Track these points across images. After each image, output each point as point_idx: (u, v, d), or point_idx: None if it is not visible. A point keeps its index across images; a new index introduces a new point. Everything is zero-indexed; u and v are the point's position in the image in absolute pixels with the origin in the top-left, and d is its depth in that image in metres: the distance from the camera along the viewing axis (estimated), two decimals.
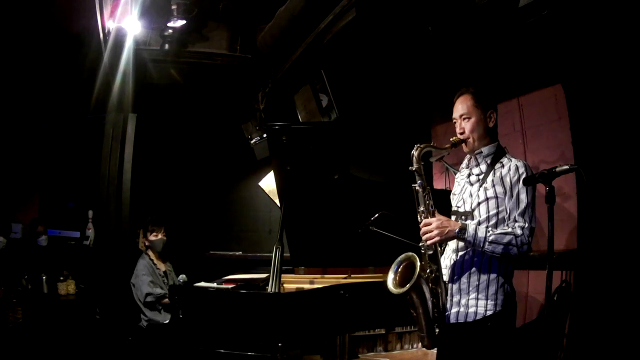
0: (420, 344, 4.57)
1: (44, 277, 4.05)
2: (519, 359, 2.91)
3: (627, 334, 2.67)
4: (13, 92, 4.31)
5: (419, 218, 1.97)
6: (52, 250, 4.26)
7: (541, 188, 1.88)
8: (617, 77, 2.88)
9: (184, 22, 4.04)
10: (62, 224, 4.48)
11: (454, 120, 2.08)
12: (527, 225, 1.85)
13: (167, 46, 4.24)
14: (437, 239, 1.88)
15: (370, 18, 3.47)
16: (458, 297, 1.94)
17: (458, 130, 2.06)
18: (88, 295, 4.07)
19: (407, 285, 1.84)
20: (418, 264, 1.87)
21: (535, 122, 3.67)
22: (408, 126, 4.93)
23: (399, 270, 1.96)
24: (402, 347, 4.59)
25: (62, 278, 4.10)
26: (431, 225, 1.89)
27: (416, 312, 1.93)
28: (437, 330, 1.92)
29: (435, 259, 1.94)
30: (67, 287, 4.09)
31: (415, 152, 1.98)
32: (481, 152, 2.03)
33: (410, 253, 1.95)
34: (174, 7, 3.94)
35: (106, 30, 3.90)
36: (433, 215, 1.94)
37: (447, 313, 1.96)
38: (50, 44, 4.12)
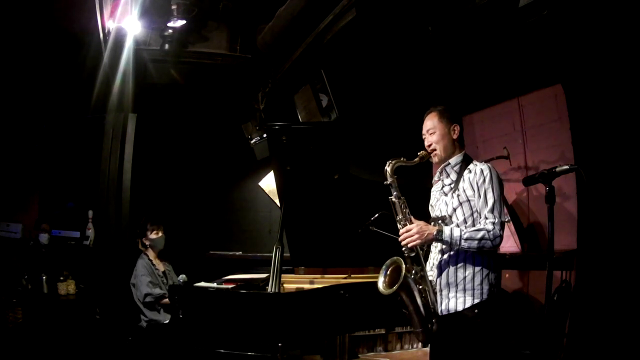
0: (420, 345, 4.59)
1: (44, 277, 4.05)
2: (516, 357, 2.95)
3: (627, 334, 2.67)
4: (13, 92, 4.31)
5: (398, 226, 2.14)
6: (52, 250, 4.26)
7: (541, 188, 1.88)
8: (617, 77, 2.88)
9: (184, 22, 4.03)
10: (62, 224, 4.48)
11: (423, 136, 2.29)
12: (497, 220, 2.02)
13: (167, 46, 4.24)
14: (418, 242, 2.04)
15: (370, 18, 3.47)
16: (446, 291, 2.10)
17: (426, 143, 2.26)
18: (88, 295, 4.07)
19: (395, 286, 2.01)
20: (403, 265, 2.03)
21: (535, 122, 3.67)
22: (408, 126, 4.92)
23: (388, 273, 2.14)
24: (402, 347, 4.59)
25: (62, 278, 4.10)
26: (412, 230, 2.05)
27: (408, 310, 2.09)
28: (430, 325, 2.07)
29: (418, 260, 2.11)
30: (67, 287, 4.09)
31: (387, 168, 2.19)
32: (449, 163, 2.23)
33: (395, 257, 2.12)
34: (174, 7, 3.94)
35: (106, 30, 3.89)
36: (410, 221, 2.13)
37: (437, 307, 2.11)
38: (50, 44, 4.12)
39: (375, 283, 2.44)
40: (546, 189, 2.03)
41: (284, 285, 3.31)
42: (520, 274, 3.58)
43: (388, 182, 2.18)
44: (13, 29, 3.94)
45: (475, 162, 2.21)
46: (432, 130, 2.23)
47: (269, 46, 4.21)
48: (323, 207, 3.30)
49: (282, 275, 3.05)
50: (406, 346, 4.59)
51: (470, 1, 3.12)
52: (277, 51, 4.26)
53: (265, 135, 4.73)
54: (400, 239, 2.09)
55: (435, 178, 2.32)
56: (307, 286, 3.28)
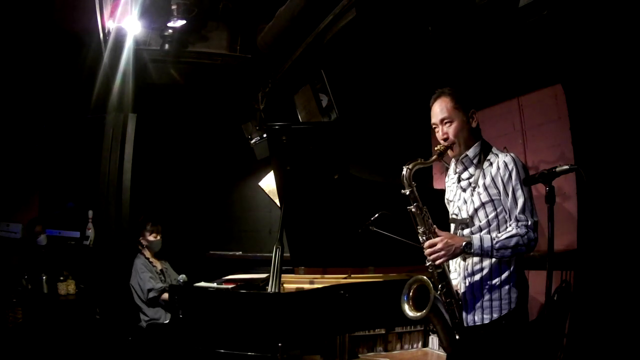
0: (419, 344, 4.60)
1: (44, 277, 4.05)
2: (525, 356, 2.93)
3: (627, 334, 2.67)
4: (13, 92, 4.31)
5: (420, 238, 1.94)
6: (52, 250, 4.26)
7: (541, 188, 1.88)
8: (617, 77, 2.88)
9: (184, 22, 4.04)
10: (62, 224, 4.48)
11: (434, 126, 2.01)
12: (530, 221, 1.83)
13: (167, 46, 4.24)
14: (444, 259, 1.86)
15: (370, 18, 3.47)
16: (472, 300, 1.93)
17: (440, 136, 1.98)
18: (88, 295, 4.07)
19: (425, 310, 1.83)
20: (430, 286, 1.85)
21: (535, 122, 3.67)
22: (408, 126, 4.93)
23: (411, 295, 1.93)
24: (402, 347, 4.59)
25: (62, 278, 4.09)
26: (437, 246, 1.85)
27: (436, 328, 1.94)
28: (457, 336, 1.93)
29: (444, 276, 1.93)
30: (67, 287, 4.09)
31: (405, 173, 1.91)
32: (467, 155, 1.98)
33: (418, 276, 1.92)
34: (174, 7, 3.94)
35: (106, 30, 3.89)
36: (435, 234, 1.91)
37: (463, 317, 1.95)
38: (50, 44, 4.12)
39: (376, 283, 2.42)
40: (546, 189, 2.01)
41: (284, 285, 3.31)
42: None
43: (406, 193, 1.91)
44: (13, 29, 3.94)
45: (494, 150, 1.97)
46: (448, 119, 1.94)
47: (269, 46, 4.21)
48: (323, 207, 3.30)
49: (282, 275, 3.05)
50: (406, 346, 4.59)
51: (470, 1, 3.12)
52: (277, 51, 4.26)
53: (265, 135, 4.72)
54: (425, 253, 1.89)
55: (450, 171, 2.10)
56: (307, 286, 3.28)
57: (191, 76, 4.69)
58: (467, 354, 1.94)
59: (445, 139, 1.97)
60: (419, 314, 1.85)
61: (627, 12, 2.74)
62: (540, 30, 3.13)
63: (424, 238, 1.91)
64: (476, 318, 1.91)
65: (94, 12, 3.67)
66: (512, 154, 1.92)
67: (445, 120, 1.96)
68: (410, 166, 1.92)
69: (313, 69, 4.41)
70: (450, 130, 1.95)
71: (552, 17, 2.89)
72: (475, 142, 1.99)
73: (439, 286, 1.92)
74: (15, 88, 4.29)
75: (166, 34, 4.16)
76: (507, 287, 1.88)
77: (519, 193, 1.85)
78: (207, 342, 2.79)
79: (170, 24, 4.06)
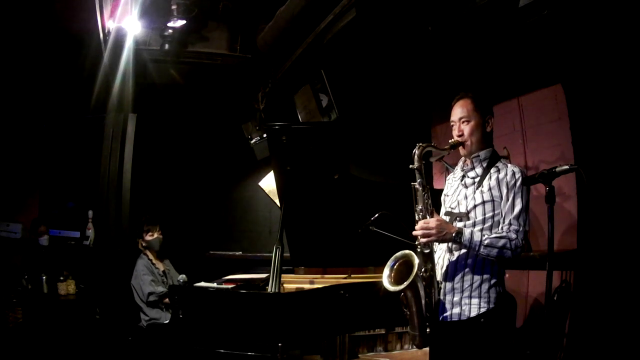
0: None
1: (44, 277, 4.05)
2: (517, 358, 2.93)
3: (627, 334, 2.67)
4: (13, 92, 4.31)
5: (416, 216, 2.00)
6: (52, 250, 4.26)
7: (541, 188, 1.88)
8: (617, 77, 2.88)
9: (184, 22, 4.04)
10: (62, 224, 4.48)
11: (452, 123, 2.12)
12: (521, 229, 1.91)
13: (167, 46, 4.24)
14: (433, 238, 1.92)
15: (370, 18, 3.47)
16: (451, 295, 1.98)
17: (456, 132, 2.09)
18: (88, 295, 4.07)
19: (405, 283, 1.87)
20: (416, 262, 1.90)
21: (535, 122, 3.66)
22: (408, 126, 4.93)
23: (395, 267, 1.99)
24: (402, 347, 4.59)
25: (62, 278, 4.10)
26: (430, 224, 1.92)
27: (409, 311, 1.97)
28: (428, 329, 1.96)
29: (431, 258, 1.98)
30: (67, 287, 4.09)
31: (417, 151, 2.02)
32: (478, 155, 2.08)
33: (407, 251, 1.98)
34: (174, 7, 3.94)
35: (106, 30, 3.89)
36: (431, 215, 1.98)
37: (440, 312, 2.00)
38: (50, 44, 4.12)
39: (376, 283, 2.41)
40: (546, 189, 2.02)
41: (284, 285, 3.31)
42: (520, 274, 3.58)
43: (415, 167, 2.01)
44: (13, 28, 3.95)
45: (503, 160, 2.09)
46: (466, 119, 2.06)
47: (269, 46, 4.22)
48: (323, 207, 3.30)
49: (282, 275, 3.05)
50: (406, 346, 4.59)
51: (470, 1, 3.12)
52: (277, 51, 4.26)
53: (265, 135, 4.73)
54: (416, 231, 1.95)
55: (458, 167, 2.19)
56: (307, 286, 3.28)
57: (191, 76, 4.69)
58: (445, 349, 1.99)
59: (460, 136, 2.08)
60: (397, 287, 1.89)
61: (627, 12, 2.74)
62: (540, 30, 3.12)
63: (420, 216, 1.99)
64: (453, 314, 1.96)
65: (94, 12, 3.67)
66: (521, 168, 2.04)
67: (463, 119, 2.07)
68: (423, 145, 2.04)
69: (313, 69, 4.42)
70: (466, 128, 2.07)
71: (552, 17, 2.89)
72: (487, 147, 2.10)
73: (423, 269, 1.96)
74: (16, 88, 4.30)
75: (166, 34, 4.16)
76: (487, 286, 1.95)
77: (518, 201, 1.94)
78: (207, 342, 2.79)
79: (170, 24, 4.07)
